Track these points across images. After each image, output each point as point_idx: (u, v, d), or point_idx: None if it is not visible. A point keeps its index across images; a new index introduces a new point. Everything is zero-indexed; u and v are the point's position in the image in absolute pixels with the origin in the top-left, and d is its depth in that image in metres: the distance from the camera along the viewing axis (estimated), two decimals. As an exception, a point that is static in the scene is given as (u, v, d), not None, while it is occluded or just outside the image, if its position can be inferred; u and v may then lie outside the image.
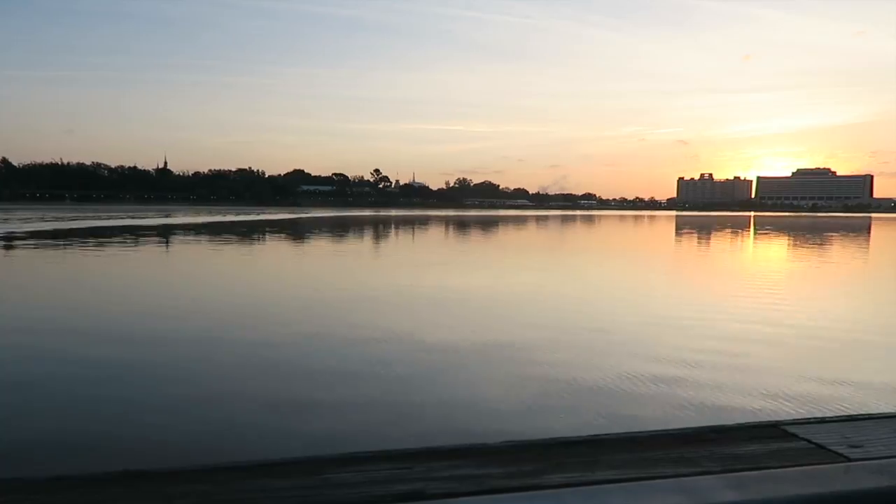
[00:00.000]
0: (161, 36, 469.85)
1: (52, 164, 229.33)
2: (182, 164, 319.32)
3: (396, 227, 65.89)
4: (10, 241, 37.62)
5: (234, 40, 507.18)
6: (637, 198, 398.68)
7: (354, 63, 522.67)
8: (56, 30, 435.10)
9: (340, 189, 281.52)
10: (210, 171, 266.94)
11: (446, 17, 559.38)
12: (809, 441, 4.37)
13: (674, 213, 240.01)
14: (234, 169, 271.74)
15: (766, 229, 72.97)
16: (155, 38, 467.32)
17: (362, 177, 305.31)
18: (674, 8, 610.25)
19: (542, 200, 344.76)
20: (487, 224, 76.11)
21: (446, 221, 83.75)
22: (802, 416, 6.84)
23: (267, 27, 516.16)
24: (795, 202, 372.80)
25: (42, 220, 68.44)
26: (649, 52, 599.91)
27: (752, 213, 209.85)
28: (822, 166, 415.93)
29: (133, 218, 78.94)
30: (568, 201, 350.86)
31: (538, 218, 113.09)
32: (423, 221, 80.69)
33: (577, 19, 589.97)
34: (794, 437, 4.49)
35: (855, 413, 6.14)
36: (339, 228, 62.49)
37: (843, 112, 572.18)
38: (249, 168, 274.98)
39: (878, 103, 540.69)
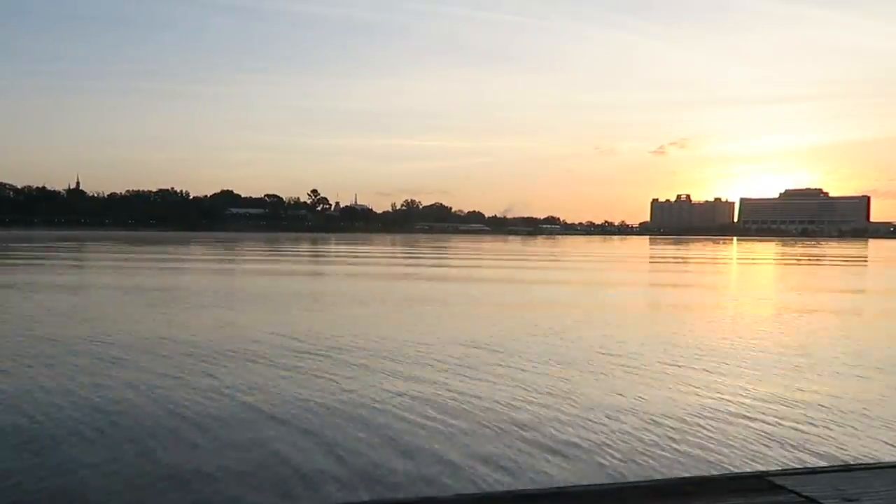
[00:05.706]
0: (100, 39, 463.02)
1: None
2: (98, 184, 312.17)
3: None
4: None
5: (185, 43, 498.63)
6: (606, 221, 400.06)
7: (297, 67, 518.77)
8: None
9: (274, 212, 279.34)
10: (128, 191, 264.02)
11: (401, 12, 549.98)
12: (799, 494, 4.33)
13: (647, 238, 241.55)
14: (154, 189, 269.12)
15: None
16: (91, 41, 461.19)
17: (298, 198, 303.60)
18: (671, 5, 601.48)
19: (499, 225, 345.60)
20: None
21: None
22: (791, 467, 6.83)
23: (221, 27, 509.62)
24: (783, 227, 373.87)
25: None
26: (634, 55, 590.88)
27: (735, 240, 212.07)
28: (816, 186, 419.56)
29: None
30: (529, 225, 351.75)
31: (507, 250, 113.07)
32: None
33: (553, 16, 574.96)
34: (782, 489, 4.44)
35: (850, 463, 6.12)
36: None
37: (848, 123, 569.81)
38: (172, 188, 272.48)
39: (891, 117, 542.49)
